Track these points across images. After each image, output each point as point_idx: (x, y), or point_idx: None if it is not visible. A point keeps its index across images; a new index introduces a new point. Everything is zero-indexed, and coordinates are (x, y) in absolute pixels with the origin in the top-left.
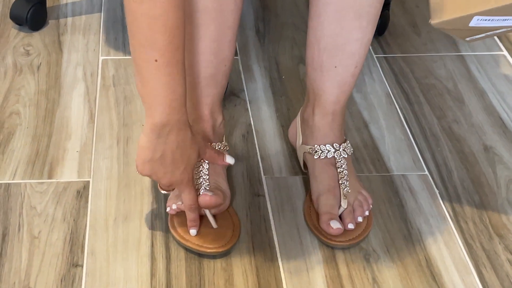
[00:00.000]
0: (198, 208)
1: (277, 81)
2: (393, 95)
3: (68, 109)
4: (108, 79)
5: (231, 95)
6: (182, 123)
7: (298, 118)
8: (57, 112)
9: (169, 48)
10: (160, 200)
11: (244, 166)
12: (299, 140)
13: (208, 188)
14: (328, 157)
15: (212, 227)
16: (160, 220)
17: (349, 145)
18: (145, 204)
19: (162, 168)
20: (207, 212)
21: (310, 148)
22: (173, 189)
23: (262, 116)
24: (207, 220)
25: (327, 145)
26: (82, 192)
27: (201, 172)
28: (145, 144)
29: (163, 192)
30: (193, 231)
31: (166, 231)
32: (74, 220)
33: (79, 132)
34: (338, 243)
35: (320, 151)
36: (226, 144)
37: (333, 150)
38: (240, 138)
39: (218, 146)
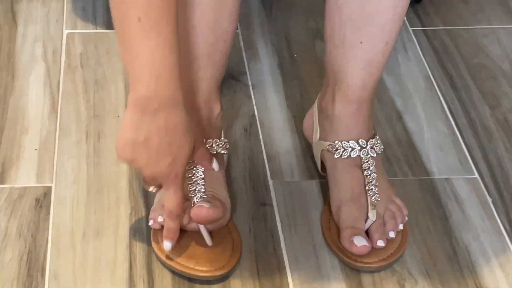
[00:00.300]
0: (181, 216)
1: (288, 60)
2: (434, 78)
3: (24, 96)
4: (74, 58)
5: (229, 78)
6: (174, 102)
7: (315, 107)
8: (11, 100)
9: (155, 4)
10: (141, 210)
11: (247, 168)
12: (316, 134)
13: (204, 197)
14: (352, 156)
15: (206, 245)
16: (140, 235)
17: (378, 141)
18: (122, 216)
19: (145, 154)
20: (202, 228)
21: (329, 145)
22: (160, 187)
23: (269, 104)
24: (200, 236)
25: (350, 141)
26: (42, 200)
27: (195, 176)
28: (128, 123)
29: (149, 189)
30: (167, 244)
31: (148, 249)
32: (32, 235)
33: (38, 125)
34: (365, 265)
35: (342, 149)
36: (226, 141)
37: (359, 148)
38: (242, 133)
39: (216, 144)
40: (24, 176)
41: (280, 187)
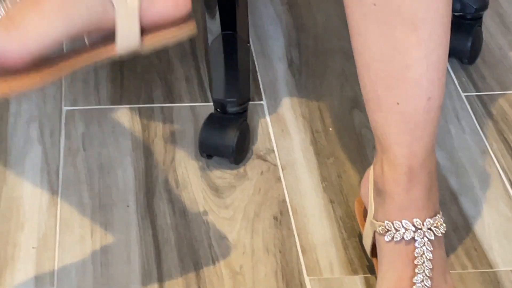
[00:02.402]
0: None
1: (322, 135)
2: (493, 152)
3: (18, 186)
4: (75, 139)
5: (255, 158)
6: None
7: (371, 172)
8: (3, 191)
9: None
10: None
11: (278, 264)
12: (371, 210)
13: None
14: (405, 239)
15: None
16: None
17: (441, 221)
18: None
19: None
20: None
21: (380, 227)
22: None
23: (302, 188)
24: None
25: (403, 221)
26: None
27: None
28: None
29: None
30: None
31: None
32: None
33: (35, 219)
34: None
35: (394, 230)
36: None
37: (413, 229)
38: (271, 222)
39: None
40: (21, 279)
41: (318, 285)
